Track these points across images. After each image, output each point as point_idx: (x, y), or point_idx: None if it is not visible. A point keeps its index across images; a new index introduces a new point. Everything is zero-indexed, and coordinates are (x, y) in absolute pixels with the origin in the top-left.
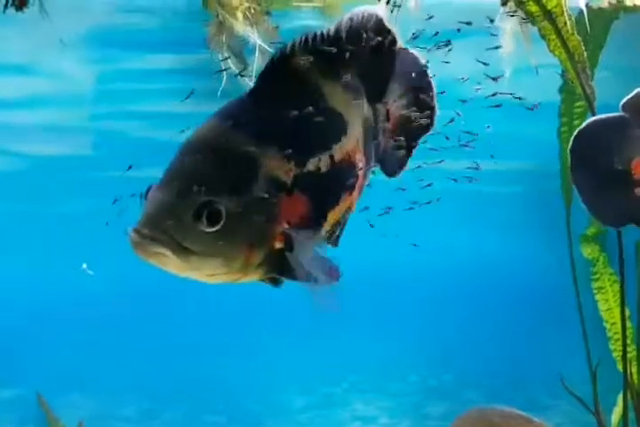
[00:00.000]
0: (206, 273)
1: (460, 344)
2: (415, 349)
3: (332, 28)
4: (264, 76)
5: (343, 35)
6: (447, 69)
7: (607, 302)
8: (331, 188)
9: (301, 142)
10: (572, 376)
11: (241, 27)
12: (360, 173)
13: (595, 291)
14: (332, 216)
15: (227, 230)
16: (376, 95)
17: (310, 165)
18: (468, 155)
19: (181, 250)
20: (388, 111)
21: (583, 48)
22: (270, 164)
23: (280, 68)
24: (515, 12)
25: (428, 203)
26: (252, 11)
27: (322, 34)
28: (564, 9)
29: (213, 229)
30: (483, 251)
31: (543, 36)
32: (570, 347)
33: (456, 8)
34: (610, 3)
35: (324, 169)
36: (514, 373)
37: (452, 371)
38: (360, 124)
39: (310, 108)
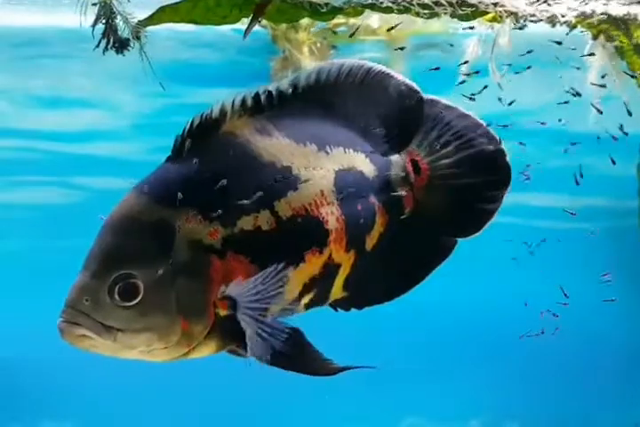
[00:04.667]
0: (142, 350)
1: (528, 391)
2: (478, 394)
3: (287, 83)
4: (181, 140)
5: (303, 88)
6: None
7: None
8: (284, 246)
9: (225, 202)
10: None
11: (306, 61)
12: (333, 226)
13: None
14: (298, 277)
15: (150, 302)
16: (382, 147)
17: (244, 224)
18: (546, 189)
19: (105, 329)
20: (415, 163)
21: None
22: (187, 228)
23: (201, 130)
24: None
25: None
26: (319, 45)
27: (266, 91)
28: None
29: (133, 303)
30: (551, 290)
31: (632, 71)
32: None
33: (544, 39)
34: None
35: (266, 227)
36: (583, 419)
37: (518, 419)
38: (330, 176)
39: (233, 166)
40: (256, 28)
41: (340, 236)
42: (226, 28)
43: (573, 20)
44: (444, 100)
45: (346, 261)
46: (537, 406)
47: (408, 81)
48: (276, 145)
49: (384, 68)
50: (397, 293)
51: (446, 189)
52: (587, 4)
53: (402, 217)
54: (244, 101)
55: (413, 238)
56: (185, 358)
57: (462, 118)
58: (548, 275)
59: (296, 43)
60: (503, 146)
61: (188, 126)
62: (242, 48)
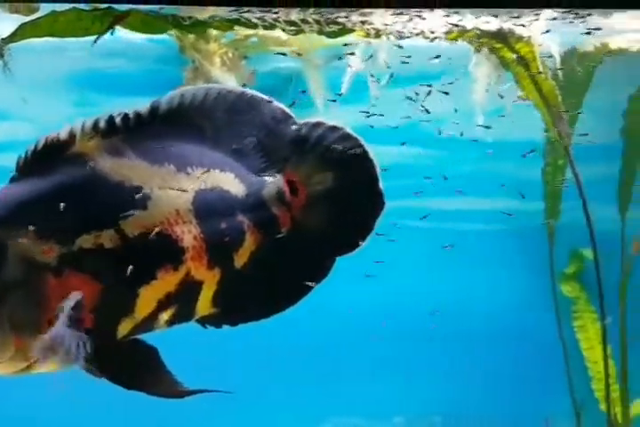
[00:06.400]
0: None
1: (444, 385)
2: (400, 390)
3: (146, 107)
4: (24, 161)
5: (163, 111)
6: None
7: (589, 341)
8: (131, 263)
9: (62, 221)
10: (557, 417)
11: (217, 72)
12: (190, 244)
13: (576, 329)
14: (150, 294)
15: None
16: (253, 168)
17: (83, 243)
18: (455, 194)
19: None
20: (293, 184)
21: (557, 92)
22: (20, 246)
23: (45, 152)
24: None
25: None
26: (230, 55)
27: (122, 114)
28: (536, 55)
29: None
30: (464, 289)
31: (517, 82)
32: (554, 387)
33: (429, 53)
34: (595, 46)
35: (109, 245)
36: (498, 414)
37: (440, 413)
38: (188, 196)
39: (76, 186)
40: (165, 37)
41: (200, 253)
42: (139, 36)
43: (443, 37)
44: (329, 122)
45: (210, 278)
46: (456, 401)
47: (283, 106)
48: (127, 166)
49: (256, 93)
50: (274, 311)
51: (324, 209)
52: (460, 20)
53: (278, 236)
54: (95, 124)
55: (291, 257)
56: (29, 372)
57: (343, 140)
58: (460, 274)
59: (206, 53)
60: (378, 168)
61: (31, 148)
62: (157, 57)
